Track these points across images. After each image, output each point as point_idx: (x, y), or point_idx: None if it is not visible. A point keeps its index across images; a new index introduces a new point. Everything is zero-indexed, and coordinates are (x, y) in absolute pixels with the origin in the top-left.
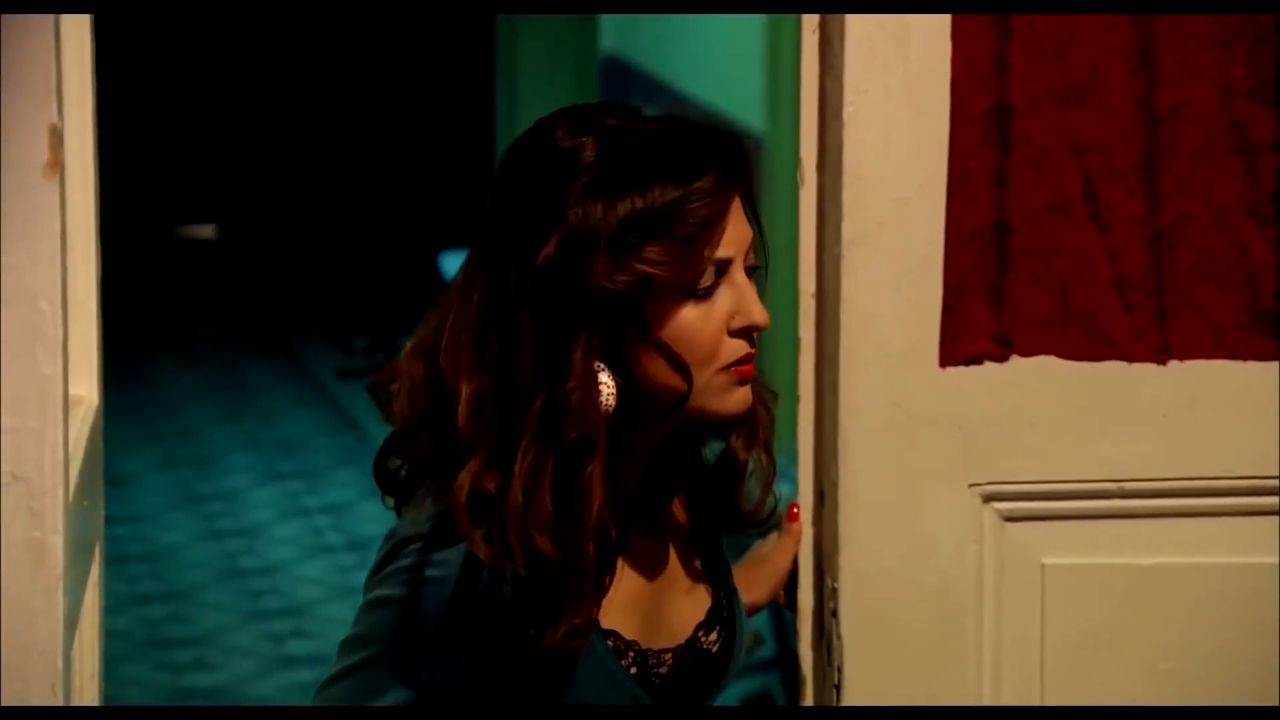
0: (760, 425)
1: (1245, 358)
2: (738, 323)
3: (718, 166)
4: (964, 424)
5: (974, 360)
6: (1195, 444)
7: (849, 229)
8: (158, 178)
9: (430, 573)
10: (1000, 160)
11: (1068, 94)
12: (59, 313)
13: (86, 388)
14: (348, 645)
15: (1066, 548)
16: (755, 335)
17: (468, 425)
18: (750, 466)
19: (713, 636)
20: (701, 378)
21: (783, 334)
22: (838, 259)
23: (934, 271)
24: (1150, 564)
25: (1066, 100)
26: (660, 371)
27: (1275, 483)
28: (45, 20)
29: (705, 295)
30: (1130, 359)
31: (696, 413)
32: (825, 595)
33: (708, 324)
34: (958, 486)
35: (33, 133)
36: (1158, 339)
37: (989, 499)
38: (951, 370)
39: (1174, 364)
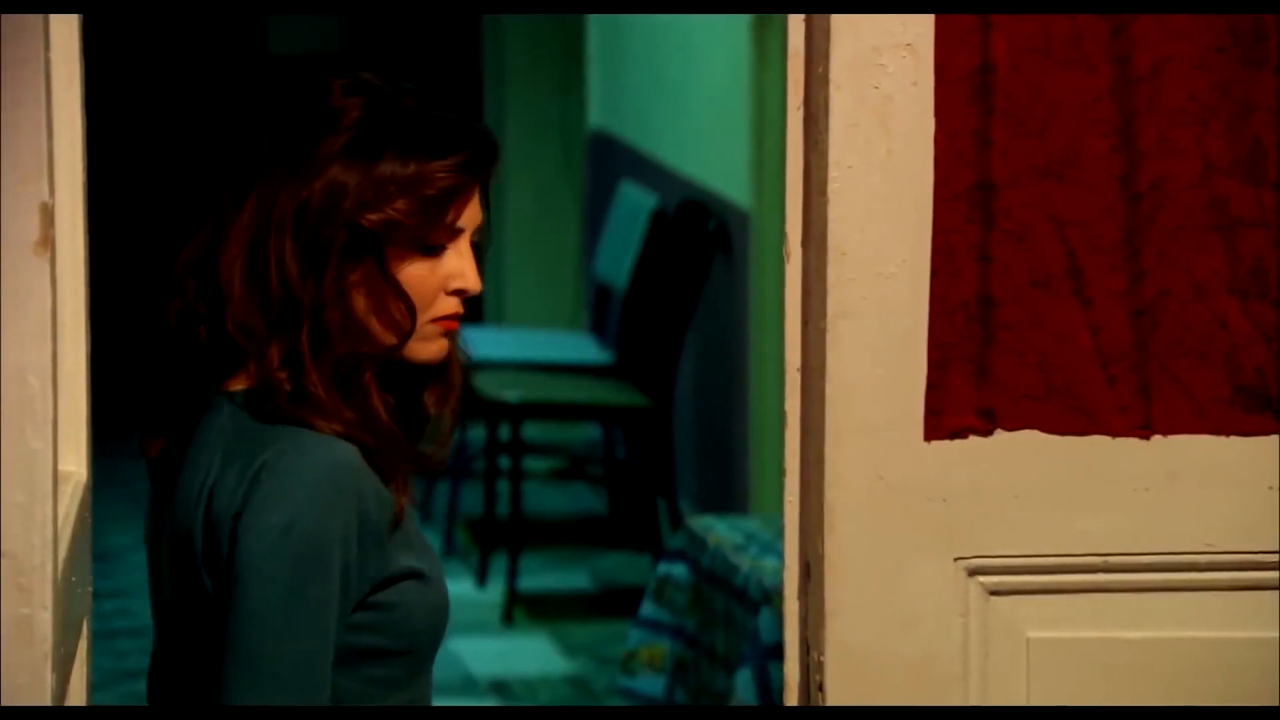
0: (454, 386)
1: (1227, 432)
2: (455, 284)
3: (469, 149)
4: (948, 497)
5: (958, 434)
6: (1178, 518)
7: (834, 304)
8: (146, 252)
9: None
10: (983, 235)
11: (1049, 170)
12: (49, 389)
13: (75, 463)
14: None
15: (1051, 622)
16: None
17: (242, 335)
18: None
19: None
20: (416, 322)
21: (770, 408)
22: (823, 333)
23: (918, 346)
24: (1135, 638)
25: (1048, 176)
26: (391, 308)
27: (1259, 557)
28: (37, 98)
29: (434, 253)
30: (1113, 433)
31: (405, 356)
32: (811, 669)
33: (431, 278)
34: (943, 560)
35: (24, 210)
36: (1140, 413)
37: (974, 573)
38: (936, 444)
39: (1157, 438)
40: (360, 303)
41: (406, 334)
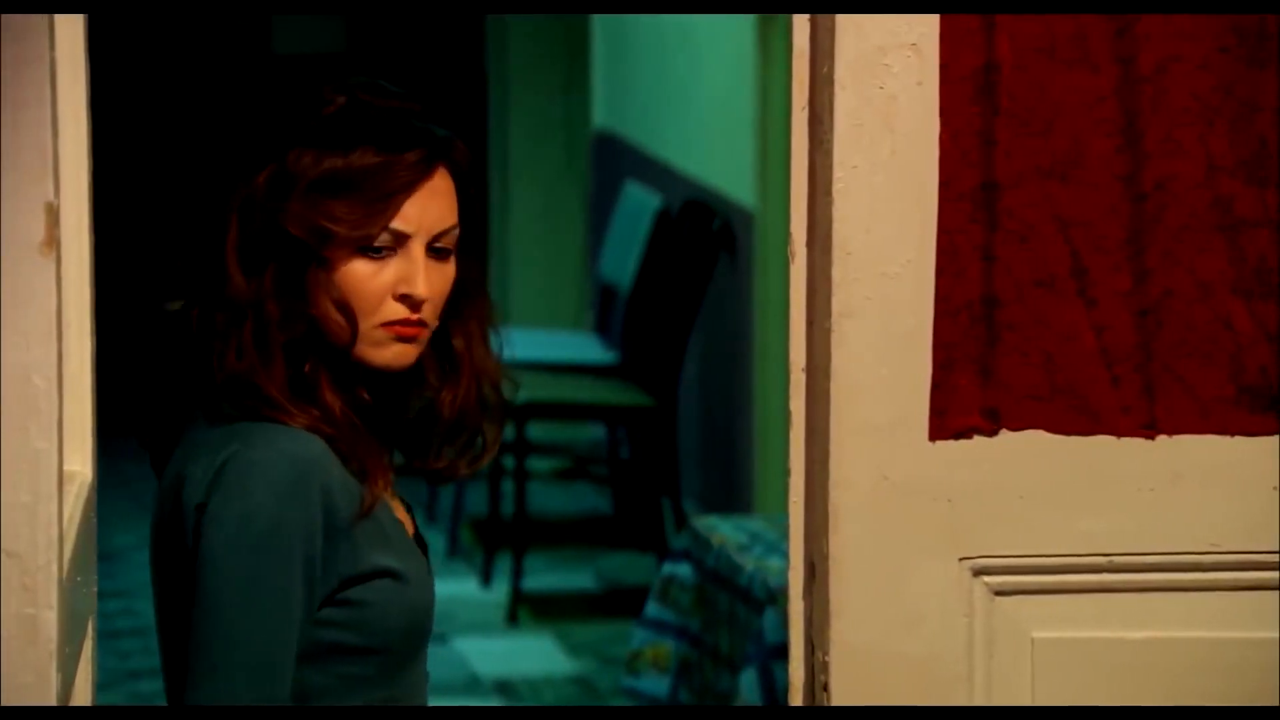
0: (465, 390)
1: (1231, 432)
2: (400, 289)
3: (421, 149)
4: (953, 497)
5: (963, 434)
6: (1182, 518)
7: (838, 303)
8: (151, 254)
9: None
10: (987, 236)
11: (1053, 170)
12: (54, 389)
13: (80, 463)
14: None
15: (1056, 622)
16: (421, 304)
17: (203, 331)
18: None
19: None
20: (362, 326)
21: (774, 408)
22: (827, 333)
23: (922, 345)
24: (1139, 638)
25: (1052, 176)
26: (330, 310)
27: (1263, 557)
28: (42, 98)
29: (378, 256)
30: (1117, 433)
31: (360, 359)
32: (816, 669)
33: (373, 281)
34: (948, 560)
35: (29, 210)
36: (1145, 413)
37: (979, 573)
38: (940, 444)
39: (1161, 438)
40: (306, 301)
41: (349, 337)
